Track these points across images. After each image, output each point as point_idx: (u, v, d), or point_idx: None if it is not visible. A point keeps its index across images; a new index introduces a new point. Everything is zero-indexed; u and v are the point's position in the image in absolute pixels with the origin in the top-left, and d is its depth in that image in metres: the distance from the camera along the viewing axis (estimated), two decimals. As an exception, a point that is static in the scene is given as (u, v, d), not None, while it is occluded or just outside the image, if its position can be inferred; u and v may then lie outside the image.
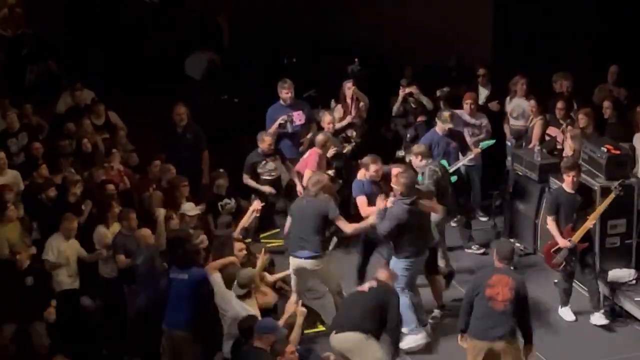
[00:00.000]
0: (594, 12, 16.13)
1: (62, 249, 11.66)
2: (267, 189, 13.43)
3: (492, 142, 13.85)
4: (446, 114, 13.58)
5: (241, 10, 18.73)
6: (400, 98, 14.55)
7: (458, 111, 14.23)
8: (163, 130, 14.69)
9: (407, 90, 14.49)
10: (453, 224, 13.72)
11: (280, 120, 13.96)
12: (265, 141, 13.41)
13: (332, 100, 14.81)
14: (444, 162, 13.14)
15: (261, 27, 18.32)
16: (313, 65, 17.21)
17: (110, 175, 13.22)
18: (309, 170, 13.27)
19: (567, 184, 12.00)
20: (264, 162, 13.45)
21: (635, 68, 15.07)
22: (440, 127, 13.50)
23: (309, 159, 13.41)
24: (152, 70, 17.70)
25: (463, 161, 13.46)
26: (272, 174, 13.53)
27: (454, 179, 13.15)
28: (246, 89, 17.12)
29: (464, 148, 13.61)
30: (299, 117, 14.07)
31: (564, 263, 12.01)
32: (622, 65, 15.13)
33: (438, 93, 14.63)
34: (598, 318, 12.00)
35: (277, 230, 14.19)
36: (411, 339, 11.46)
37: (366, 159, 12.33)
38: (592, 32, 16.09)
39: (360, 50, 15.10)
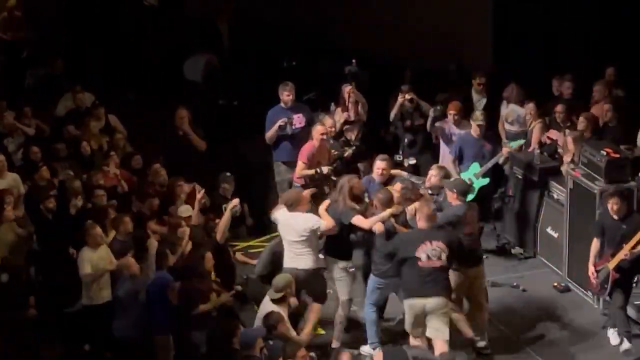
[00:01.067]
0: (594, 13, 16.10)
1: (95, 261, 11.42)
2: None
3: (522, 141, 13.64)
4: (478, 112, 13.52)
5: (241, 13, 18.69)
6: (397, 103, 14.47)
7: (442, 122, 14.10)
8: (164, 133, 14.72)
9: (408, 96, 14.38)
10: None
11: (280, 122, 13.94)
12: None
13: (332, 103, 14.77)
14: (477, 165, 13.12)
15: (261, 30, 18.30)
16: (313, 68, 17.16)
17: (107, 178, 13.23)
18: (300, 162, 13.31)
19: (609, 210, 11.69)
20: None
21: (635, 68, 15.08)
22: (475, 129, 13.38)
23: (303, 149, 13.41)
24: (151, 73, 17.68)
25: (492, 163, 13.27)
26: None
27: (485, 181, 13.12)
28: (245, 92, 17.10)
29: (496, 149, 13.48)
30: (299, 120, 14.01)
31: (599, 287, 11.72)
32: (621, 65, 15.10)
33: (431, 113, 14.21)
34: (612, 334, 11.81)
35: (277, 234, 14.18)
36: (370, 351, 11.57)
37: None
38: (592, 33, 16.06)
39: (360, 53, 15.03)
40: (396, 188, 11.71)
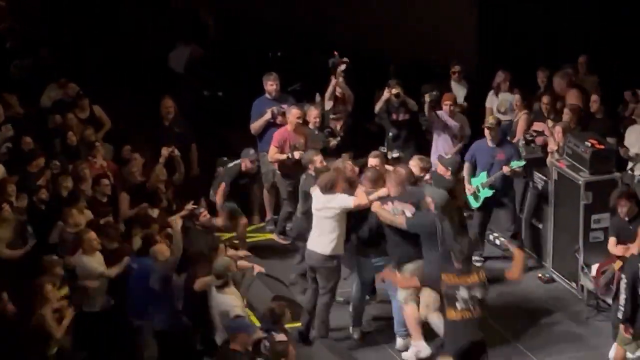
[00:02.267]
0: (582, 7, 16.12)
1: (92, 267, 11.23)
2: None
3: (523, 162, 13.11)
4: (490, 117, 13.32)
5: (227, 4, 18.66)
6: (384, 97, 14.27)
7: (438, 112, 13.94)
8: (150, 124, 14.69)
9: (394, 91, 14.24)
10: None
11: (274, 109, 13.84)
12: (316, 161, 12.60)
13: (317, 94, 14.70)
14: (484, 175, 13.02)
15: (246, 21, 18.29)
16: (298, 59, 17.14)
17: (93, 168, 13.20)
18: (272, 146, 13.38)
19: (619, 212, 11.51)
20: None
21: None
22: (487, 135, 13.03)
23: (275, 134, 13.46)
24: (137, 64, 17.65)
25: (496, 177, 12.97)
26: None
27: (489, 193, 12.98)
28: (231, 83, 17.08)
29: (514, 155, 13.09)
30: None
31: (604, 288, 11.56)
32: (619, 61, 15.12)
33: (427, 97, 13.92)
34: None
35: (262, 224, 14.20)
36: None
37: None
38: (579, 27, 16.08)
39: (346, 45, 15.02)
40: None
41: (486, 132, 13.12)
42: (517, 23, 16.29)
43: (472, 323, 9.94)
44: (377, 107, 14.45)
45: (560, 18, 16.12)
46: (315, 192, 11.45)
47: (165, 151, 13.64)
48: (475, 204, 13.13)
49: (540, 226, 13.24)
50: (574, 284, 12.59)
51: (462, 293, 9.91)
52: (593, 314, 12.17)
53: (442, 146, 13.92)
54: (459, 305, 9.91)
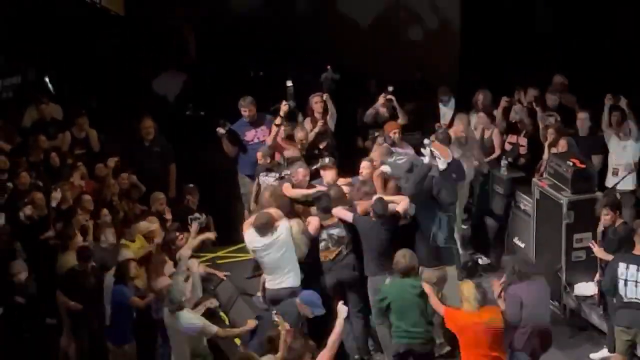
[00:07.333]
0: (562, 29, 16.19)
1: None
2: None
3: None
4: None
5: (209, 22, 18.66)
6: (376, 104, 14.10)
7: (385, 145, 12.88)
8: (131, 144, 14.65)
9: (389, 97, 14.02)
10: None
11: (219, 129, 13.76)
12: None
13: (299, 113, 14.58)
14: None
15: (228, 40, 18.28)
16: (281, 78, 17.11)
17: (73, 189, 13.16)
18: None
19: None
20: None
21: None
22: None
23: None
24: (118, 83, 17.62)
25: None
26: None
27: None
28: (213, 102, 17.05)
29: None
30: (263, 133, 13.82)
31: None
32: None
33: (371, 137, 13.48)
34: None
35: (243, 244, 14.13)
36: None
37: None
38: (559, 43, 16.12)
39: (325, 62, 14.98)
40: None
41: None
42: (500, 40, 16.32)
43: None
44: (368, 113, 14.22)
45: (526, 32, 16.13)
46: (252, 235, 11.37)
47: (111, 162, 13.58)
48: None
49: (523, 246, 13.21)
50: (556, 303, 12.55)
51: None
52: (576, 334, 12.12)
53: None
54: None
